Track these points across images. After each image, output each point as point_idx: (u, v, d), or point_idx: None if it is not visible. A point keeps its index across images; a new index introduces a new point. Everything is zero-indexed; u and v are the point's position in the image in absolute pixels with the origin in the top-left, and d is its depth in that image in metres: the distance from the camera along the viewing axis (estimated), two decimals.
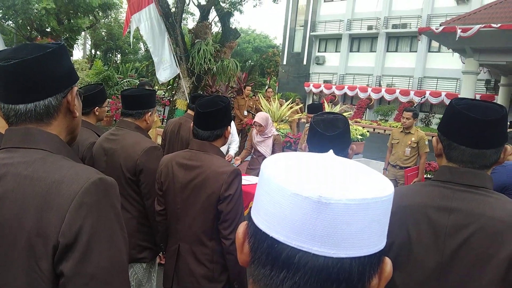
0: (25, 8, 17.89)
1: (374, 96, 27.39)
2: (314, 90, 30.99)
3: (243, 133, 9.56)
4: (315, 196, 0.45)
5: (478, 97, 22.36)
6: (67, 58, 1.12)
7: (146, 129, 2.50)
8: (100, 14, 24.65)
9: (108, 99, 12.49)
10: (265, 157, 5.29)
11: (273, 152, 5.04)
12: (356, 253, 0.47)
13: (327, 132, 1.62)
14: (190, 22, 25.25)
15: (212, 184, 1.98)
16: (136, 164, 2.24)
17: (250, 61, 40.56)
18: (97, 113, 2.76)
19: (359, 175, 0.52)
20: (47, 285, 0.93)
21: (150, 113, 2.45)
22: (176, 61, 9.46)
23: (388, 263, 0.54)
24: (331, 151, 0.58)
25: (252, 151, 5.27)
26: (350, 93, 28.87)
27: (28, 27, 20.83)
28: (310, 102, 27.86)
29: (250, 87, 9.79)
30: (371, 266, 0.50)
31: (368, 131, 15.33)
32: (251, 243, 0.52)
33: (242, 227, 0.56)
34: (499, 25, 14.33)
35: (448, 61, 23.50)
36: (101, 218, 0.98)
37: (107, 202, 1.00)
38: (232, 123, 4.94)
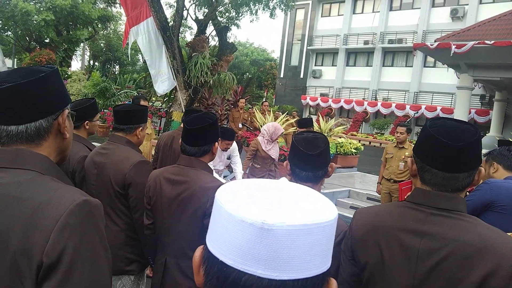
0: (25, 19, 18.05)
1: (370, 109, 27.55)
2: (311, 103, 31.16)
3: (238, 145, 9.61)
4: (258, 222, 0.49)
5: (473, 112, 22.54)
6: (59, 81, 1.16)
7: (137, 144, 2.54)
8: (99, 26, 24.86)
9: (105, 110, 12.53)
10: (275, 161, 5.56)
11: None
12: (298, 275, 0.50)
13: (308, 151, 1.67)
14: (188, 35, 25.44)
15: (198, 199, 2.02)
16: (125, 178, 2.28)
17: (247, 73, 40.82)
18: (87, 127, 2.78)
19: (304, 201, 0.55)
20: None
21: (141, 128, 2.50)
22: (173, 73, 9.55)
23: (333, 284, 0.58)
24: (283, 178, 0.62)
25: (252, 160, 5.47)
26: (346, 107, 29.04)
27: (27, 38, 20.99)
28: (307, 114, 28.02)
29: (244, 100, 9.86)
30: (315, 286, 0.53)
31: (363, 144, 15.44)
32: (205, 266, 0.56)
33: (198, 251, 0.59)
34: (492, 41, 14.55)
35: (443, 76, 23.72)
36: (84, 239, 1.00)
37: (91, 224, 1.03)
38: (234, 143, 5.11)
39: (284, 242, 0.49)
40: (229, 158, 5.38)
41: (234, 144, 5.21)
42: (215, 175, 5.00)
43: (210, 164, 4.86)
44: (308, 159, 1.67)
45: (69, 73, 18.11)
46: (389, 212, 1.36)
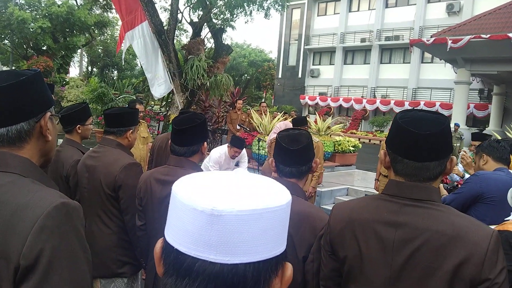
0: (21, 27, 18.07)
1: (369, 107, 27.57)
2: (309, 102, 31.19)
3: None
4: (208, 209, 0.50)
5: (472, 106, 22.54)
6: (41, 84, 1.16)
7: (128, 146, 2.56)
8: (95, 32, 24.89)
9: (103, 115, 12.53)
10: None
11: None
12: (249, 259, 0.52)
13: (291, 146, 1.69)
14: (183, 38, 25.49)
15: None
16: (115, 180, 2.29)
17: (246, 75, 40.86)
18: (79, 131, 2.80)
19: (256, 188, 0.57)
20: None
21: (131, 130, 2.51)
22: (170, 77, 9.58)
23: (288, 267, 0.60)
24: (240, 168, 0.64)
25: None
26: (345, 105, 29.06)
27: (25, 46, 21.01)
28: (306, 114, 28.02)
29: (241, 101, 9.87)
30: (268, 270, 0.54)
31: (363, 142, 15.40)
32: (163, 256, 0.57)
33: (159, 243, 0.61)
34: (488, 35, 14.57)
35: (441, 72, 23.74)
36: (62, 241, 1.00)
37: (69, 226, 1.03)
38: (244, 151, 5.13)
39: (234, 227, 0.51)
40: (237, 165, 5.40)
41: (244, 151, 5.20)
42: None
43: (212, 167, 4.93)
44: (291, 155, 1.69)
45: (67, 79, 18.14)
46: (365, 205, 1.38)
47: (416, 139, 1.22)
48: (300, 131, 1.79)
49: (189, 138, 2.14)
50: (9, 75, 1.09)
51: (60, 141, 2.99)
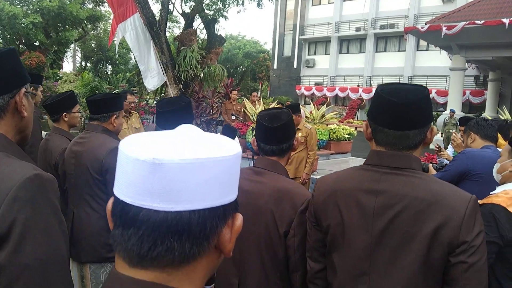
0: (12, 22, 17.96)
1: (365, 96, 27.55)
2: (305, 93, 31.15)
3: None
4: (149, 158, 0.51)
5: (468, 93, 22.56)
6: (15, 61, 1.17)
7: (115, 132, 2.55)
8: (88, 26, 24.74)
9: None
10: None
11: None
12: (194, 206, 0.53)
13: (270, 124, 1.68)
14: (176, 31, 25.36)
15: None
16: (101, 164, 2.29)
17: (241, 66, 40.72)
18: (66, 119, 2.80)
19: (202, 141, 0.57)
20: None
21: (115, 116, 2.50)
22: (163, 69, 9.53)
23: (238, 218, 0.60)
24: (194, 126, 0.64)
25: None
26: (341, 94, 29.04)
27: (17, 42, 20.87)
28: (302, 104, 27.97)
29: (236, 92, 9.84)
30: (215, 218, 0.55)
31: (360, 131, 15.42)
32: (112, 209, 0.58)
33: (110, 201, 0.61)
34: (483, 21, 14.52)
35: (436, 59, 23.72)
36: (36, 212, 1.01)
37: (42, 197, 1.04)
38: (237, 139, 5.10)
39: (176, 175, 0.51)
40: None
41: (236, 140, 5.22)
42: None
43: None
44: (271, 132, 1.69)
45: (61, 75, 18.07)
46: (347, 176, 1.41)
47: (395, 108, 1.24)
48: (282, 109, 1.78)
49: (173, 121, 2.12)
50: None
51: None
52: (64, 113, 2.79)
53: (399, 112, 1.24)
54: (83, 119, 9.44)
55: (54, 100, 2.73)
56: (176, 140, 0.56)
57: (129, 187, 0.53)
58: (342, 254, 1.37)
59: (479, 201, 1.84)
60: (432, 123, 1.32)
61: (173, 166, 0.51)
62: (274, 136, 1.70)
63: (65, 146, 2.66)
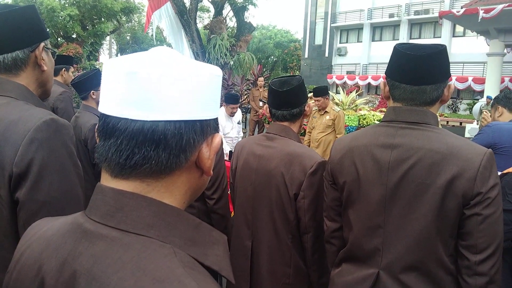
0: (51, 16, 18.62)
1: None
2: (337, 81, 30.69)
3: (260, 124, 9.67)
4: (126, 67, 0.56)
5: (507, 80, 21.63)
6: (35, 17, 1.24)
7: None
8: (123, 19, 25.30)
9: None
10: None
11: None
12: (168, 117, 0.56)
13: (280, 88, 1.73)
14: (206, 21, 25.51)
15: None
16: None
17: (272, 56, 40.54)
18: (94, 96, 2.92)
19: (182, 59, 0.60)
20: (7, 211, 1.08)
21: (93, 92, 2.84)
22: (194, 57, 9.70)
23: (217, 136, 0.64)
24: (163, 46, 0.66)
25: None
26: (374, 83, 28.42)
27: (55, 35, 21.65)
28: (334, 92, 27.62)
29: (263, 78, 9.86)
30: (191, 131, 0.58)
31: None
32: (97, 126, 0.62)
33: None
34: None
35: (473, 45, 22.81)
36: (52, 153, 1.10)
37: (58, 140, 1.12)
38: (221, 109, 5.15)
39: (150, 85, 0.55)
40: (239, 123, 5.48)
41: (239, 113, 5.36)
42: (226, 144, 5.12)
43: (221, 133, 5.03)
44: (281, 97, 1.73)
45: (97, 66, 18.64)
46: (364, 133, 1.43)
47: (412, 61, 1.25)
48: (294, 76, 1.82)
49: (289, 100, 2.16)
50: (3, 7, 1.17)
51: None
52: (92, 91, 2.90)
53: (416, 65, 1.25)
54: None
55: (81, 78, 2.87)
56: (154, 55, 0.59)
57: (109, 99, 0.57)
58: (358, 209, 1.39)
59: (504, 171, 1.83)
60: (449, 79, 1.32)
61: (147, 76, 0.54)
62: (285, 100, 1.73)
63: (93, 122, 2.80)
